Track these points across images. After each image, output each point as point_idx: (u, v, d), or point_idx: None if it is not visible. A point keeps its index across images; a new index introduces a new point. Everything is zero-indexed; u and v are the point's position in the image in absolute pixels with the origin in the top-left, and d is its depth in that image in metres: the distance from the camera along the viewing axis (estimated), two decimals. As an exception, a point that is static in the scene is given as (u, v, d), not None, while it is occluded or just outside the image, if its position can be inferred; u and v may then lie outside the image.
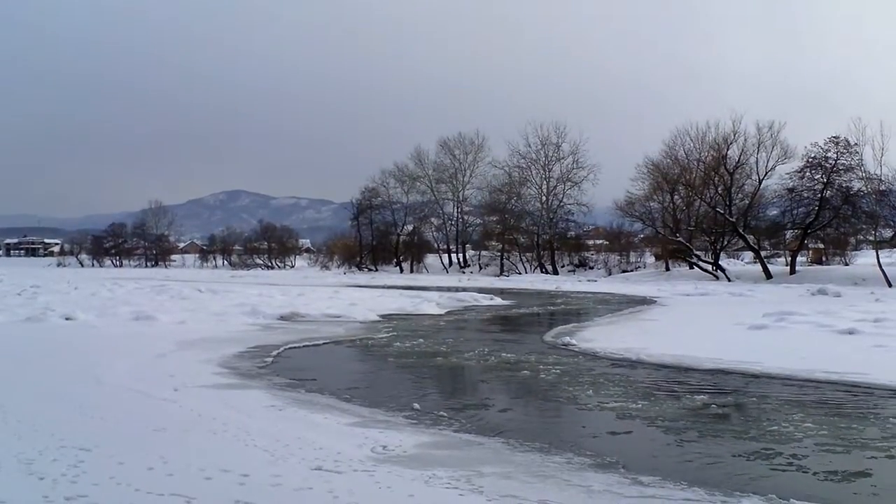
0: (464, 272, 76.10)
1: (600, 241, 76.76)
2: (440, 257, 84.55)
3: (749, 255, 61.22)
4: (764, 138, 53.77)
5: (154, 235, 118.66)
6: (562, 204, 74.78)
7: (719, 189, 56.40)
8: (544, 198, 75.23)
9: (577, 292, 42.36)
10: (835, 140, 48.87)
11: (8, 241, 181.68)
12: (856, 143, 47.61)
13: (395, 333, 19.67)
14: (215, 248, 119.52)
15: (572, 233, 76.49)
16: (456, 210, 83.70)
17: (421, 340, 18.08)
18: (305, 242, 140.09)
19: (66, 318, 21.04)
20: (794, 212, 52.34)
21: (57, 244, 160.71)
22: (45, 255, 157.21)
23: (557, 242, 73.99)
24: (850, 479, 6.94)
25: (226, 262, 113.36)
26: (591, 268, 70.73)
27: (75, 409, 9.32)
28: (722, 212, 55.43)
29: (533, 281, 57.86)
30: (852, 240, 58.07)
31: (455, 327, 22.11)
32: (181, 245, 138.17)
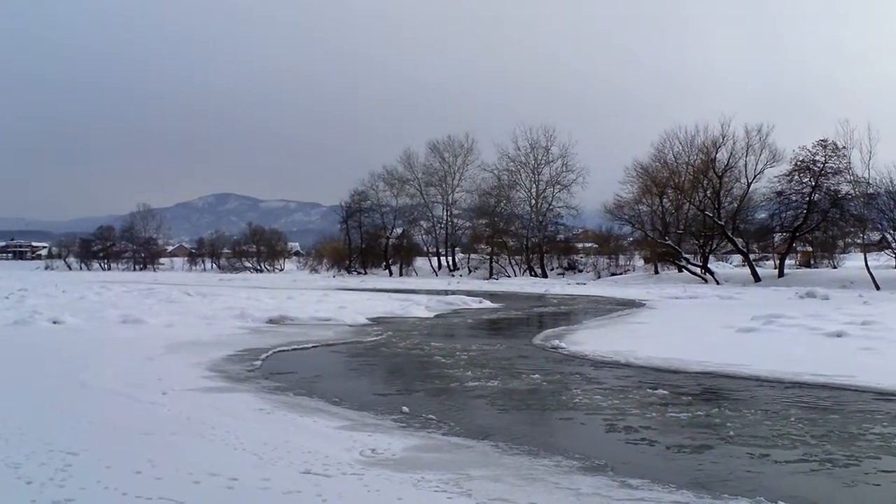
0: (453, 275, 76.09)
1: (589, 245, 76.93)
2: (429, 260, 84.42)
3: (737, 258, 61.54)
4: (752, 142, 54.24)
5: (142, 238, 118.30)
6: (551, 207, 74.96)
7: (708, 192, 56.68)
8: (533, 201, 75.38)
9: (566, 295, 42.45)
10: (823, 143, 49.33)
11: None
12: (844, 147, 48.09)
13: (383, 336, 19.66)
14: (204, 252, 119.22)
15: (561, 236, 76.72)
16: (445, 213, 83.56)
17: (410, 344, 18.07)
18: (294, 246, 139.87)
19: (54, 322, 20.89)
20: (783, 215, 52.75)
21: (45, 247, 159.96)
22: (32, 259, 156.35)
23: (546, 245, 74.12)
24: (841, 481, 6.99)
25: (214, 265, 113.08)
26: (581, 271, 70.91)
27: (63, 412, 9.26)
28: (711, 215, 55.71)
29: (522, 284, 57.97)
30: (840, 243, 58.46)
31: (444, 330, 22.11)
32: (169, 248, 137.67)
